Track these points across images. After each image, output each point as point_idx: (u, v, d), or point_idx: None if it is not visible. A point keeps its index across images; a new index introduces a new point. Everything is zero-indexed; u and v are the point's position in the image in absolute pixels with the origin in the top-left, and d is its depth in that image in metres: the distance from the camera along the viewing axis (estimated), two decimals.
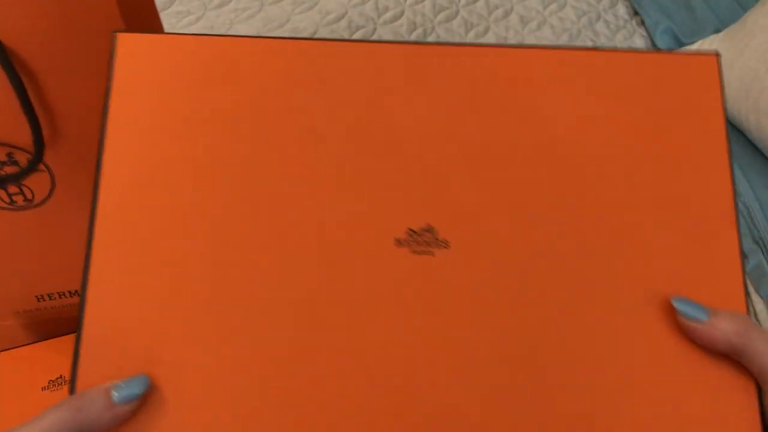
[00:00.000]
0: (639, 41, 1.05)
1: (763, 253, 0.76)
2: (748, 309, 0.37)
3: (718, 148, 0.38)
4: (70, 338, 0.60)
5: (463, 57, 0.38)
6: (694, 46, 0.96)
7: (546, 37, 1.05)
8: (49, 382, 0.58)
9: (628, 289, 0.36)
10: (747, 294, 0.72)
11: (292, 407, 0.34)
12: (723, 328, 0.34)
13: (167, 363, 0.35)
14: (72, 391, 0.35)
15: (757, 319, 0.72)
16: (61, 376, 0.58)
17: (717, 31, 0.99)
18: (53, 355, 0.60)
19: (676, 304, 0.35)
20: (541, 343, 0.35)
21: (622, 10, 1.11)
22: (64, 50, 0.42)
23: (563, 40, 1.05)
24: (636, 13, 1.11)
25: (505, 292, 0.36)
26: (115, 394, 0.33)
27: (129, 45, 0.38)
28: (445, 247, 0.36)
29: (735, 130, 0.89)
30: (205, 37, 0.39)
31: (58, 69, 0.42)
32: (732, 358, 0.35)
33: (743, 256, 0.74)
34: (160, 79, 0.37)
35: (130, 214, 0.36)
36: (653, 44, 1.04)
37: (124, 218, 0.36)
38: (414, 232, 0.36)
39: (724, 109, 0.38)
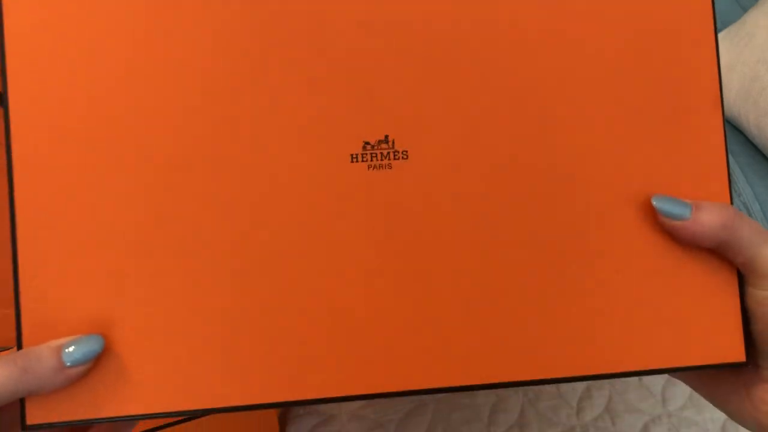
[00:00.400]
0: None
1: None
2: (732, 201, 0.35)
3: (704, 32, 0.36)
4: None
5: None
6: None
7: None
8: None
9: (606, 188, 0.34)
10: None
11: (254, 335, 0.32)
12: (708, 222, 0.32)
13: (113, 309, 0.32)
14: (19, 345, 0.31)
15: None
16: None
17: (717, 30, 1.00)
18: None
19: (656, 203, 0.33)
20: (513, 256, 0.33)
21: None
22: None
23: None
24: None
25: (471, 201, 0.33)
26: (66, 358, 0.29)
27: None
28: (403, 159, 0.33)
29: (735, 130, 0.90)
30: None
31: None
32: (717, 251, 0.33)
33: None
34: None
35: (51, 151, 0.32)
36: None
37: (45, 155, 0.32)
38: (370, 144, 0.33)
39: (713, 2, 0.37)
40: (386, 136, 0.34)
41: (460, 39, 0.34)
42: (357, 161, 0.33)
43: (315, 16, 0.33)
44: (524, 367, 0.33)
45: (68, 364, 0.29)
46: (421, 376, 0.33)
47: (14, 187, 0.32)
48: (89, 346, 0.30)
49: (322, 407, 0.64)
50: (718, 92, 0.35)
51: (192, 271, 0.32)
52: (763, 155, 0.87)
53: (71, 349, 0.30)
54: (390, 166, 0.33)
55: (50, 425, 0.31)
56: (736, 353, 0.34)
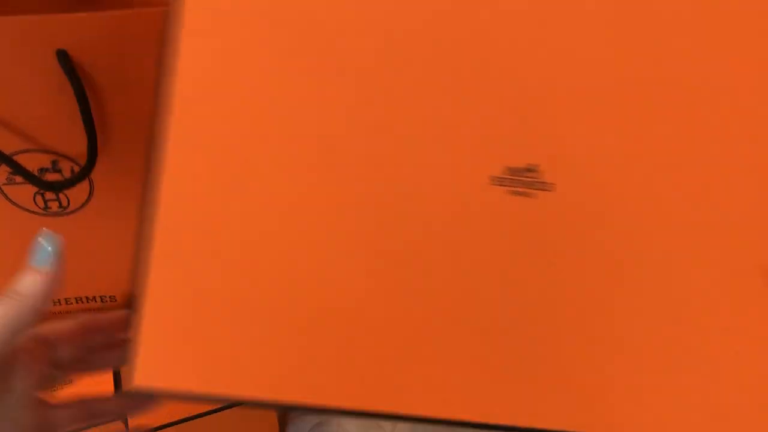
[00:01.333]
0: None
1: None
2: None
3: None
4: None
5: None
6: None
7: None
8: None
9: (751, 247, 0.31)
10: None
11: (373, 342, 0.31)
12: None
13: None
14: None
15: None
16: None
17: None
18: None
19: None
20: (644, 302, 0.32)
21: None
22: (123, 65, 0.43)
23: None
24: None
25: (611, 243, 0.32)
26: (32, 261, 0.30)
27: None
28: (548, 190, 0.32)
29: None
30: None
31: (116, 83, 0.43)
32: None
33: None
34: None
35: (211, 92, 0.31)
36: None
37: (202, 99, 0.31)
38: (515, 170, 0.32)
39: None
40: (534, 165, 0.32)
41: (633, 79, 0.32)
42: (499, 185, 0.32)
43: (476, 36, 0.32)
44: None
45: (36, 265, 0.30)
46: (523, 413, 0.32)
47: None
48: (47, 243, 0.31)
49: None
50: None
51: (325, 267, 0.32)
52: None
53: (33, 253, 0.31)
54: (533, 195, 0.32)
55: (157, 392, 0.31)
56: None
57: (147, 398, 0.37)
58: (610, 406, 0.31)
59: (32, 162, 0.45)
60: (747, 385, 0.32)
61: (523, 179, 0.31)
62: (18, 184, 0.47)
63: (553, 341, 0.31)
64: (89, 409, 0.36)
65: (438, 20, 0.32)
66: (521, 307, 0.31)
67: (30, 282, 0.30)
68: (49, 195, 0.47)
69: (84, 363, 0.36)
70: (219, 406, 0.55)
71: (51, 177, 0.46)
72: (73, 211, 0.49)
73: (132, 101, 0.44)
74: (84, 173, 0.44)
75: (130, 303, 0.33)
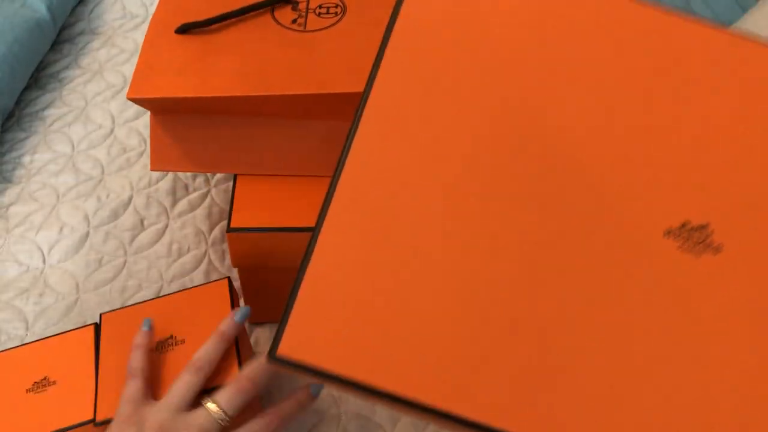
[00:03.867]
0: None
1: None
2: None
3: None
4: (57, 339, 0.60)
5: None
6: None
7: None
8: (33, 384, 0.57)
9: None
10: None
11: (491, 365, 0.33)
12: None
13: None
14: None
15: None
16: (45, 377, 0.57)
17: None
18: (38, 356, 0.59)
19: None
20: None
21: None
22: None
23: None
24: None
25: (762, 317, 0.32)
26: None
27: None
28: (717, 251, 0.33)
29: None
30: None
31: None
32: None
33: None
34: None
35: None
36: None
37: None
38: (686, 226, 0.33)
39: None
40: (707, 224, 0.33)
41: None
42: (670, 238, 0.33)
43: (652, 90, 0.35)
44: None
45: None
46: None
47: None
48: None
49: (321, 405, 0.62)
50: None
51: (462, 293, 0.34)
52: None
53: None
54: (699, 253, 0.33)
55: (295, 365, 0.35)
56: None
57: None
58: None
59: None
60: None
61: (695, 235, 0.33)
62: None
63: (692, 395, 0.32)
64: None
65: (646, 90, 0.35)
66: (663, 360, 0.32)
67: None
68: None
69: None
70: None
71: None
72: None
73: None
74: None
75: None
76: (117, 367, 0.57)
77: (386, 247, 0.35)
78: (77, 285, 0.73)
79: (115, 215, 0.79)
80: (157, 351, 0.57)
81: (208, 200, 0.80)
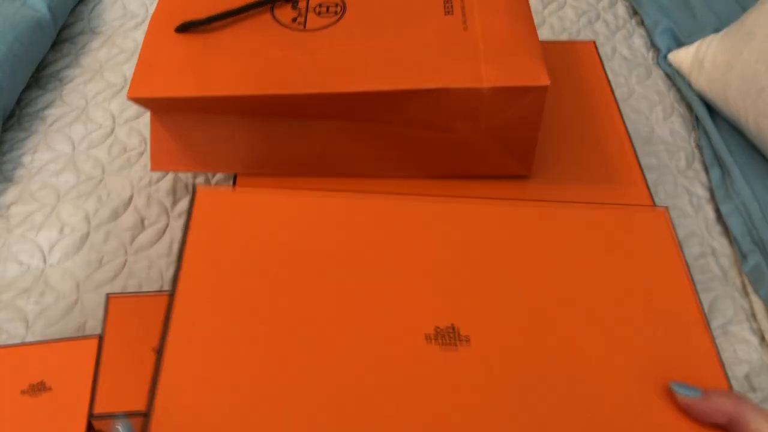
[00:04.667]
0: (638, 41, 1.05)
1: (762, 253, 0.75)
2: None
3: (677, 273, 0.50)
4: (60, 345, 0.60)
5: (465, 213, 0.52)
6: (693, 46, 0.96)
7: (546, 36, 1.05)
8: (29, 386, 0.57)
9: (626, 381, 0.44)
10: (746, 295, 0.72)
11: None
12: (719, 402, 0.41)
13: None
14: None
15: (756, 320, 0.72)
16: (42, 381, 0.57)
17: (716, 30, 0.99)
18: (39, 358, 0.59)
19: (673, 387, 0.43)
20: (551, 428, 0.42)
21: (621, 9, 1.11)
22: None
23: (563, 38, 1.05)
24: (635, 13, 1.10)
25: (516, 384, 0.44)
26: None
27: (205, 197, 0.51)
28: (467, 343, 0.45)
29: (734, 130, 0.89)
30: (267, 192, 0.52)
31: None
32: (725, 429, 0.42)
33: (742, 258, 0.74)
34: (232, 229, 0.49)
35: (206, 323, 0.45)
36: (652, 44, 1.04)
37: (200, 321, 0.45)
38: (440, 329, 0.45)
39: (678, 244, 0.52)
40: (452, 324, 0.46)
41: (502, 270, 0.49)
42: (431, 342, 0.45)
43: (407, 237, 0.51)
44: None
45: None
46: None
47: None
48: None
49: None
50: (702, 317, 0.48)
51: (285, 404, 0.42)
52: (762, 155, 0.86)
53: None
54: (456, 349, 0.45)
55: None
56: None
57: None
58: None
59: None
60: None
61: (447, 335, 0.45)
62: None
63: None
64: None
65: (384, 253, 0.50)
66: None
67: None
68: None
69: None
70: None
71: None
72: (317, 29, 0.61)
73: None
74: None
75: None
76: (117, 357, 0.57)
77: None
78: (77, 285, 0.73)
79: (116, 215, 0.79)
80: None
81: None
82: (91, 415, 0.54)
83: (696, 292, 0.49)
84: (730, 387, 0.45)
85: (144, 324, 0.59)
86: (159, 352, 0.44)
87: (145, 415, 0.41)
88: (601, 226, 0.53)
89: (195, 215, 0.49)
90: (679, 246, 0.52)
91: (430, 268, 0.49)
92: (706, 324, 0.48)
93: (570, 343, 0.46)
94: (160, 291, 0.62)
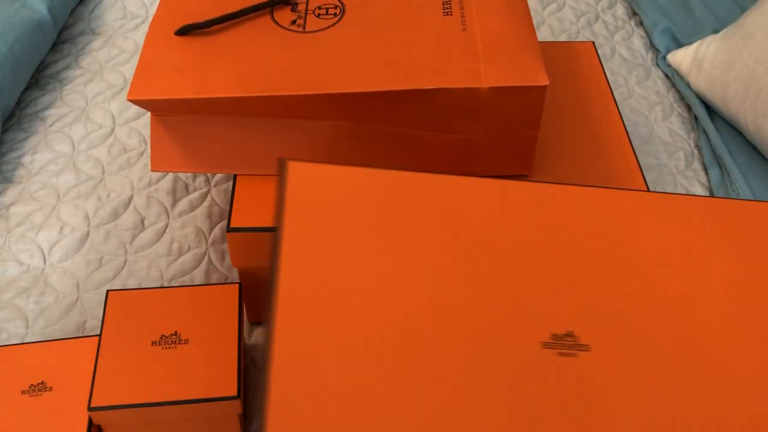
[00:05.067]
0: (637, 42, 1.05)
1: None
2: None
3: None
4: (61, 344, 0.60)
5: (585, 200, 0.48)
6: (692, 47, 0.96)
7: (545, 37, 1.05)
8: (30, 386, 0.57)
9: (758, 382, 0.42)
10: None
11: None
12: None
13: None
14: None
15: None
16: (42, 381, 0.57)
17: (715, 31, 1.00)
18: (40, 358, 0.59)
19: None
20: None
21: (620, 10, 1.11)
22: None
23: (562, 39, 1.05)
24: (635, 14, 1.11)
25: (642, 389, 0.42)
26: None
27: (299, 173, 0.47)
28: (586, 350, 0.43)
29: (733, 130, 0.89)
30: (361, 170, 0.48)
31: None
32: None
33: None
34: (328, 205, 0.46)
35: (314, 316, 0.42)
36: (651, 45, 1.04)
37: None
38: (558, 335, 0.43)
39: None
40: (571, 331, 0.43)
41: (622, 269, 0.46)
42: (549, 348, 0.42)
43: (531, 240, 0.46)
44: None
45: None
46: None
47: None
48: None
49: None
50: None
51: (404, 406, 0.40)
52: (762, 155, 0.86)
53: None
54: (575, 355, 0.42)
55: None
56: None
57: None
58: None
59: None
60: None
61: (566, 343, 0.43)
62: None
63: None
64: None
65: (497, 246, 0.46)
66: None
67: None
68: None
69: None
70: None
71: None
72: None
73: None
74: None
75: None
76: (116, 346, 0.58)
77: (342, 334, 0.41)
78: (77, 284, 0.73)
79: (116, 215, 0.79)
80: (160, 345, 0.58)
81: (208, 200, 0.81)
82: (89, 409, 0.54)
83: None
84: None
85: (143, 318, 0.60)
86: (268, 335, 0.41)
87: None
88: (718, 218, 0.49)
89: (289, 191, 0.46)
90: None
91: (544, 264, 0.45)
92: None
93: (696, 346, 0.43)
94: (160, 287, 0.62)
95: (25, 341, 0.69)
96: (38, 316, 0.71)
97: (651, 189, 0.84)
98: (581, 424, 0.40)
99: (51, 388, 0.57)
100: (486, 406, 0.40)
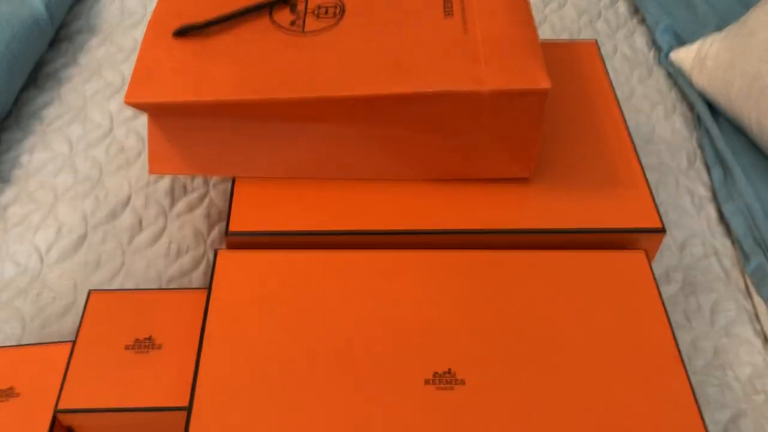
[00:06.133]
0: (640, 39, 1.05)
1: (764, 254, 0.75)
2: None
3: (656, 314, 0.56)
4: (33, 349, 0.60)
5: (464, 260, 0.59)
6: (695, 45, 0.95)
7: (546, 35, 1.04)
8: None
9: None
10: (749, 296, 0.72)
11: None
12: None
13: None
14: None
15: (759, 321, 0.72)
16: (11, 387, 0.57)
17: (718, 28, 0.99)
18: (11, 363, 0.59)
19: None
20: None
21: (622, 8, 1.10)
22: None
23: (564, 37, 1.04)
24: (637, 11, 1.10)
25: (510, 421, 0.50)
26: None
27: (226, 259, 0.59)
28: (462, 384, 0.51)
29: (736, 130, 0.89)
30: (280, 252, 0.59)
31: None
32: None
33: (744, 259, 0.73)
34: (252, 286, 0.57)
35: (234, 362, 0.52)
36: (654, 42, 1.04)
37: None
38: (438, 373, 0.51)
39: (658, 289, 0.58)
40: (449, 369, 0.52)
41: (495, 315, 0.56)
42: (429, 384, 0.51)
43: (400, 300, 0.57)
44: None
45: None
46: None
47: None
48: None
49: None
50: (680, 361, 0.53)
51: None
52: (765, 155, 0.86)
53: None
54: (452, 389, 0.51)
55: None
56: None
57: None
58: None
59: None
60: None
61: (445, 378, 0.51)
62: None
63: None
64: None
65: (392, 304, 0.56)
66: None
67: None
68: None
69: None
70: None
71: None
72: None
73: None
74: None
75: None
76: (90, 349, 0.57)
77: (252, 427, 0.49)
78: (75, 285, 0.73)
79: (114, 215, 0.79)
80: (133, 349, 0.57)
81: (206, 201, 0.80)
82: (56, 411, 0.54)
83: (672, 330, 0.55)
84: (702, 420, 0.50)
85: (120, 321, 0.59)
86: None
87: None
88: (582, 268, 0.58)
89: (217, 275, 0.57)
90: (657, 285, 0.58)
91: (426, 315, 0.55)
92: (682, 361, 0.53)
93: (559, 380, 0.52)
94: (147, 289, 0.62)
95: (22, 343, 0.68)
96: (35, 318, 0.70)
97: (653, 190, 0.84)
98: None
99: (19, 394, 0.56)
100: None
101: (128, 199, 0.80)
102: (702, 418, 0.50)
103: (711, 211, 0.83)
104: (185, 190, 0.81)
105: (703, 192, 0.85)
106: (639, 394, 0.51)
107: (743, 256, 0.77)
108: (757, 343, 0.70)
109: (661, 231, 0.61)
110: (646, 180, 0.65)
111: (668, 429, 0.50)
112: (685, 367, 0.53)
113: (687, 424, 0.50)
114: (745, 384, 0.67)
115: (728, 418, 0.65)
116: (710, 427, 0.64)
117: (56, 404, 0.54)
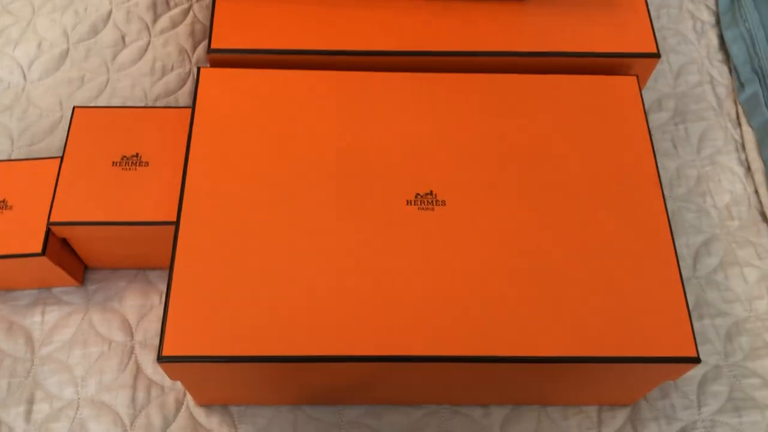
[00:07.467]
0: None
1: (760, 82, 0.74)
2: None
3: (641, 141, 0.56)
4: (24, 164, 0.60)
5: (462, 82, 0.58)
6: None
7: None
8: None
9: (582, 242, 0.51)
10: (738, 125, 0.71)
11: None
12: None
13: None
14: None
15: (744, 150, 0.72)
16: (3, 200, 0.58)
17: None
18: (3, 177, 0.60)
19: None
20: (524, 277, 0.50)
21: None
22: None
23: None
24: None
25: (487, 239, 0.51)
26: None
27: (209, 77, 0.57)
28: (442, 205, 0.52)
29: None
30: (266, 71, 0.57)
31: None
32: None
33: (740, 87, 0.72)
34: (234, 105, 0.56)
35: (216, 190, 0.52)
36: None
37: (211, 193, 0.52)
38: (420, 195, 0.53)
39: (645, 115, 0.57)
40: (431, 190, 0.53)
41: (483, 135, 0.56)
42: (411, 205, 0.52)
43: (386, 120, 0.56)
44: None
45: None
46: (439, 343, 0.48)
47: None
48: None
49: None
50: (659, 188, 0.54)
51: (283, 255, 0.50)
52: None
53: None
54: (432, 210, 0.52)
55: (182, 359, 0.47)
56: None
57: None
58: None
59: None
60: None
61: (426, 199, 0.53)
62: None
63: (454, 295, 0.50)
64: None
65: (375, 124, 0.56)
66: (428, 278, 0.50)
67: None
68: None
69: None
70: None
71: None
72: None
73: None
74: None
75: None
76: (78, 164, 0.58)
77: (238, 241, 0.50)
78: (60, 103, 0.72)
79: (95, 31, 0.76)
80: (120, 166, 0.58)
81: (190, 16, 0.77)
82: (49, 224, 0.56)
83: (654, 156, 0.55)
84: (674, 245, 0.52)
85: (107, 138, 0.59)
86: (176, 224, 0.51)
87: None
88: (571, 92, 0.58)
89: (200, 93, 0.56)
90: (645, 112, 0.57)
91: (410, 138, 0.55)
92: (661, 187, 0.54)
93: (538, 202, 0.53)
94: (131, 106, 0.61)
95: (12, 158, 0.68)
96: (23, 134, 0.70)
97: (656, 14, 0.80)
98: (437, 262, 0.50)
99: (11, 207, 0.58)
100: (353, 247, 0.50)
101: (109, 13, 0.77)
102: (672, 241, 0.52)
103: (713, 37, 0.80)
104: (168, 5, 0.78)
105: (706, 17, 0.81)
106: (615, 216, 0.52)
107: (738, 84, 0.75)
108: (740, 171, 0.71)
109: (656, 56, 0.59)
110: (646, 3, 0.62)
111: (641, 250, 0.51)
112: (663, 193, 0.54)
113: (658, 246, 0.51)
114: (721, 210, 0.69)
115: (701, 241, 0.67)
116: (683, 251, 0.67)
117: (48, 217, 0.56)
